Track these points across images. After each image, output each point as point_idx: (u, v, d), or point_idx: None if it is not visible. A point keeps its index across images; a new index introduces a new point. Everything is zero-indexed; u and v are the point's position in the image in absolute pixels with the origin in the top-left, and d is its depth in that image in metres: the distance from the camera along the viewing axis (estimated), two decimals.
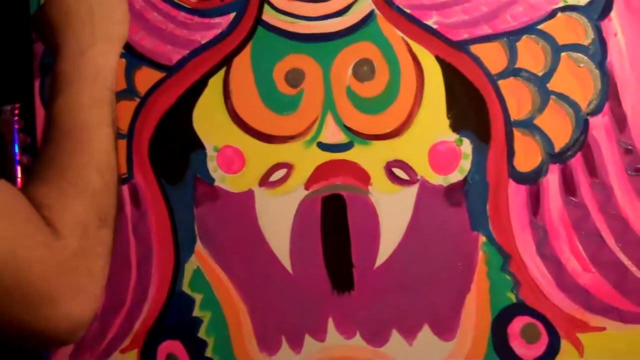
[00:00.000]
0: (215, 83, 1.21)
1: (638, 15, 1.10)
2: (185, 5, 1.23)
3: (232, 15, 1.22)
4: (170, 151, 1.23)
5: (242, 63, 1.21)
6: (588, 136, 1.11)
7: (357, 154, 1.17)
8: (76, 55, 0.83)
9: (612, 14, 1.11)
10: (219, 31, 1.22)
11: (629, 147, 1.10)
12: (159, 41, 1.24)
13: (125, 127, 1.23)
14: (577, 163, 1.12)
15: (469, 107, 1.15)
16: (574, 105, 1.12)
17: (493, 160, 1.14)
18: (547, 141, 1.12)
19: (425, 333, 1.15)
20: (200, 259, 1.21)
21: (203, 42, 1.22)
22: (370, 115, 1.17)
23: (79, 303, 0.70)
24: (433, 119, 1.15)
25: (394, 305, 1.16)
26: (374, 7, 1.18)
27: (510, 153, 1.13)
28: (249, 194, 1.20)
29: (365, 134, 1.17)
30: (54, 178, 0.75)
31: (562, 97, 1.12)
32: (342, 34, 1.18)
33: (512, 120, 1.13)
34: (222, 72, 1.21)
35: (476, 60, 1.15)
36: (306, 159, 1.18)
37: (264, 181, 1.20)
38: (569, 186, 1.12)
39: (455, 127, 1.15)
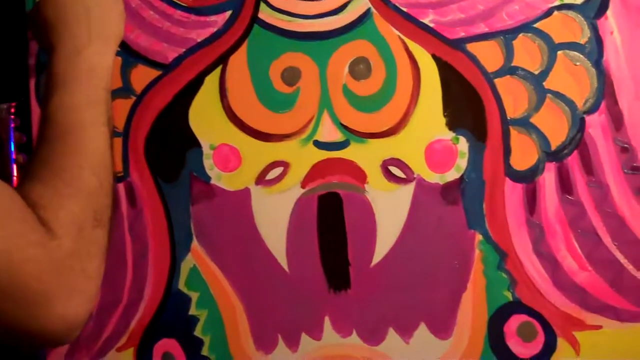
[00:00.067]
0: (211, 81, 1.21)
1: (634, 13, 1.10)
2: (181, 4, 1.23)
3: (228, 13, 1.22)
4: (166, 149, 1.23)
5: (238, 61, 1.21)
6: (584, 134, 1.11)
7: (354, 152, 1.17)
8: (72, 54, 0.83)
9: (609, 13, 1.11)
10: (215, 29, 1.22)
11: (625, 146, 1.10)
12: (155, 39, 1.24)
13: (121, 125, 1.23)
14: (573, 161, 1.12)
15: (466, 106, 1.15)
16: (570, 103, 1.12)
17: (489, 159, 1.14)
18: (543, 139, 1.12)
19: (422, 331, 1.15)
20: (197, 257, 1.21)
21: (199, 40, 1.22)
22: (367, 114, 1.17)
23: (74, 303, 0.70)
24: (429, 117, 1.15)
25: (390, 304, 1.16)
26: (370, 5, 1.17)
27: (507, 151, 1.13)
28: (245, 192, 1.20)
29: (361, 132, 1.17)
30: (49, 178, 0.75)
31: (558, 95, 1.12)
32: (338, 32, 1.18)
33: (508, 118, 1.13)
34: (218, 70, 1.21)
35: (472, 58, 1.14)
36: (302, 157, 1.18)
37: (261, 179, 1.20)
38: (565, 184, 1.12)
39: (451, 125, 1.15)
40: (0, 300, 0.68)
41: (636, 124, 1.10)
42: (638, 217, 1.10)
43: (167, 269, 1.22)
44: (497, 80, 1.14)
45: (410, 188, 1.16)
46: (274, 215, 1.19)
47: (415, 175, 1.16)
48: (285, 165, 1.19)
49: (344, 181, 1.17)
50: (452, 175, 1.15)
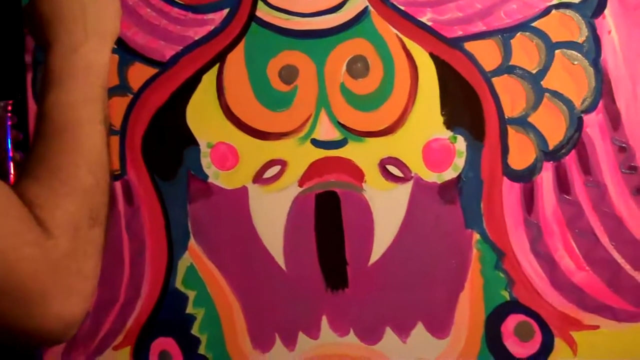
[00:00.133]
0: (208, 79, 1.21)
1: (632, 12, 1.10)
2: (179, 2, 1.23)
3: (226, 11, 1.21)
4: (164, 147, 1.23)
5: (236, 59, 1.20)
6: (582, 134, 1.11)
7: (351, 151, 1.17)
8: (68, 51, 0.83)
9: (606, 12, 1.11)
10: (213, 27, 1.22)
11: (623, 145, 1.10)
12: (152, 37, 1.23)
13: (118, 123, 1.23)
14: (571, 161, 1.12)
15: (463, 105, 1.14)
16: (568, 102, 1.12)
17: (487, 158, 1.14)
18: (541, 139, 1.12)
19: (419, 331, 1.15)
20: (194, 255, 1.21)
21: (196, 38, 1.22)
22: (364, 112, 1.17)
23: (70, 303, 0.69)
24: (427, 116, 1.15)
25: (387, 303, 1.15)
26: (368, 3, 1.17)
27: (505, 151, 1.13)
28: (243, 191, 1.20)
29: (359, 131, 1.17)
30: (46, 176, 0.74)
31: (556, 94, 1.12)
32: (336, 31, 1.18)
33: (506, 117, 1.13)
34: (215, 69, 1.21)
35: (470, 57, 1.14)
36: (300, 155, 1.18)
37: (258, 178, 1.19)
38: (562, 184, 1.12)
39: (449, 124, 1.15)
40: None
41: (634, 123, 1.10)
42: (635, 217, 1.10)
43: (164, 268, 1.22)
44: (494, 79, 1.14)
45: (407, 187, 1.16)
46: (272, 214, 1.18)
47: (412, 174, 1.16)
48: (282, 163, 1.19)
49: (341, 180, 1.17)
50: (449, 174, 1.15)
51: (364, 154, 1.17)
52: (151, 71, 1.23)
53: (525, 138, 1.13)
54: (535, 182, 1.13)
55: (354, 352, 1.17)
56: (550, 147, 1.12)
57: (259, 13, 1.20)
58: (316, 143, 1.18)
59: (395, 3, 1.17)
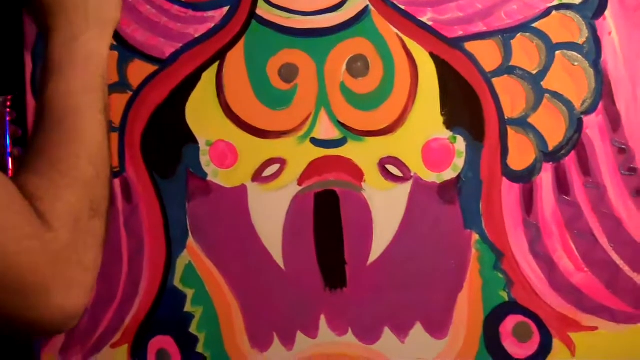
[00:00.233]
0: (208, 77, 1.21)
1: (632, 14, 1.11)
2: None
3: (226, 9, 1.21)
4: (163, 145, 1.22)
5: (236, 57, 1.20)
6: (582, 135, 1.11)
7: (351, 150, 1.17)
8: (68, 40, 0.82)
9: (607, 13, 1.11)
10: (213, 25, 1.21)
11: (623, 147, 1.10)
12: (151, 34, 1.23)
13: (117, 121, 1.22)
14: (570, 162, 1.12)
15: (463, 105, 1.14)
16: (568, 103, 1.12)
17: (487, 158, 1.14)
18: (540, 140, 1.12)
19: (418, 331, 1.15)
20: (192, 254, 1.21)
21: (196, 35, 1.22)
22: (364, 112, 1.17)
23: (71, 295, 0.69)
24: (427, 116, 1.15)
25: (386, 303, 1.15)
26: (368, 3, 1.17)
27: (504, 151, 1.13)
28: (242, 189, 1.20)
29: (358, 130, 1.17)
30: (46, 168, 0.74)
31: (556, 95, 1.12)
32: (336, 30, 1.18)
33: (506, 118, 1.13)
34: (215, 66, 1.21)
35: (470, 57, 1.14)
36: (299, 154, 1.18)
37: (257, 176, 1.19)
38: (562, 185, 1.12)
39: (449, 124, 1.15)
40: None
41: (634, 125, 1.10)
42: (635, 218, 1.10)
43: (163, 266, 1.21)
44: (495, 80, 1.14)
45: (407, 187, 1.16)
46: (271, 213, 1.18)
47: (412, 174, 1.15)
48: (282, 162, 1.18)
49: (340, 179, 1.17)
50: (449, 174, 1.15)
51: (363, 153, 1.16)
52: (151, 68, 1.23)
53: (525, 139, 1.13)
54: (535, 183, 1.12)
55: (352, 352, 1.16)
56: (550, 148, 1.12)
57: (259, 11, 1.20)
58: (316, 142, 1.18)
59: (395, 2, 1.17)
